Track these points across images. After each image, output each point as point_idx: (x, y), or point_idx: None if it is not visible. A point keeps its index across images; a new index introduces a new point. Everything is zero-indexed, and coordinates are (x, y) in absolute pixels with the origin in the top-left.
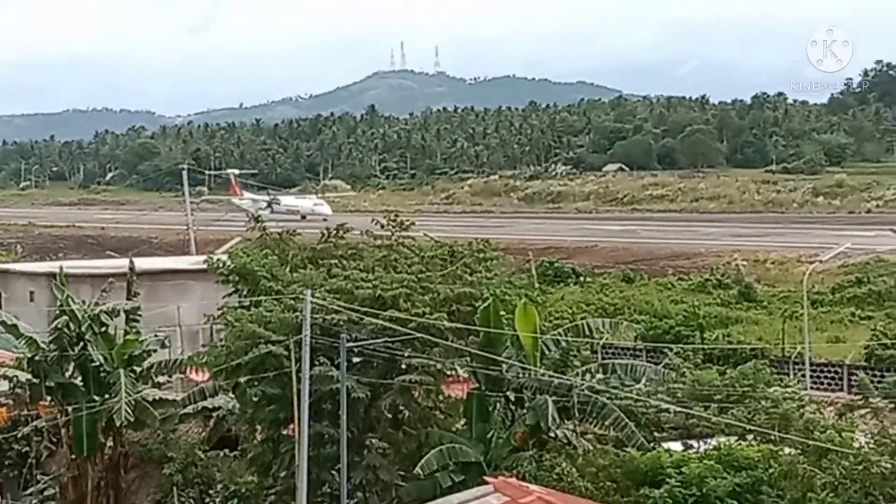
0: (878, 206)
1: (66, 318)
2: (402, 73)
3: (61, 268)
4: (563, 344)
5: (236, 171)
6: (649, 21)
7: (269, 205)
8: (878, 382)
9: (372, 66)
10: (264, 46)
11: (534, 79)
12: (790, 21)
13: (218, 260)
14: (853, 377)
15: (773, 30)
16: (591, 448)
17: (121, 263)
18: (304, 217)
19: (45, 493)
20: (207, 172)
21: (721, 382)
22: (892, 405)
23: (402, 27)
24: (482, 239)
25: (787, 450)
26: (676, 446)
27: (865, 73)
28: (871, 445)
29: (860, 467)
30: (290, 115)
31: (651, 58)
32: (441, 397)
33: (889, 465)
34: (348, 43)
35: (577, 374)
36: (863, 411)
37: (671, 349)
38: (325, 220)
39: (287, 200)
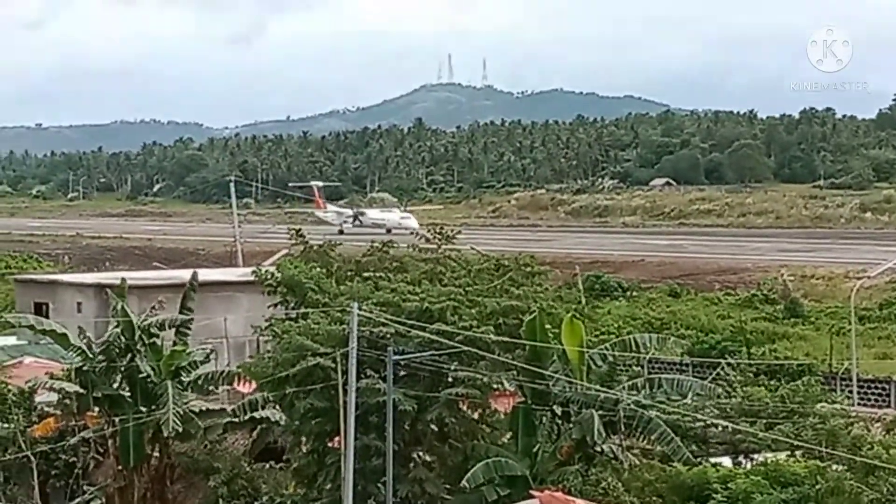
0: None
1: (118, 329)
2: (450, 87)
3: (123, 279)
4: (610, 358)
5: (320, 184)
6: (697, 34)
7: (356, 217)
8: None
9: (419, 79)
10: (311, 58)
11: (581, 92)
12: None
13: (266, 272)
14: None
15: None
16: (637, 463)
17: (169, 275)
18: (389, 231)
19: (92, 503)
20: (255, 184)
21: (772, 398)
22: None
23: (450, 40)
24: (528, 253)
25: (834, 466)
26: (724, 461)
27: None
28: None
29: None
30: (337, 128)
31: (698, 72)
32: (487, 411)
33: None
34: (396, 55)
35: (624, 388)
36: None
37: (719, 364)
38: (412, 233)
39: (372, 213)
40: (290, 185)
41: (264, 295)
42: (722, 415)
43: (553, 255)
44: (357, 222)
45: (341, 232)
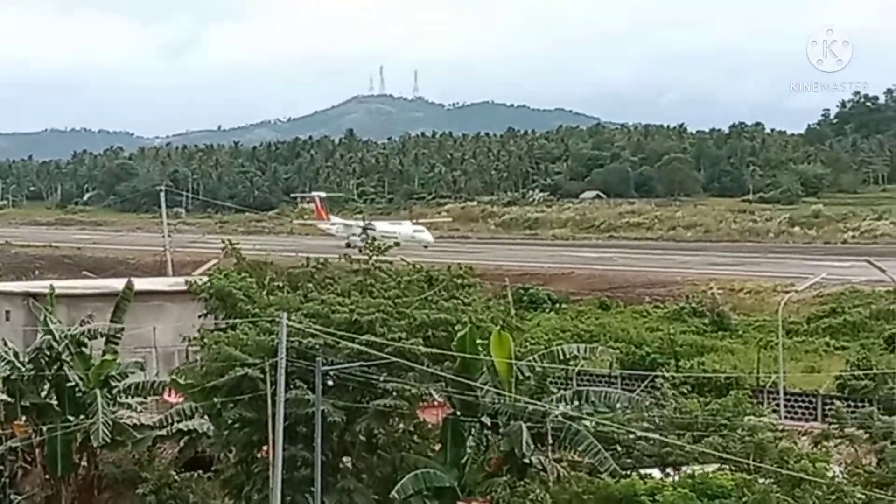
0: (853, 236)
1: (48, 337)
2: (381, 98)
3: (52, 288)
4: (539, 370)
5: (323, 194)
6: (629, 50)
7: (364, 231)
8: (851, 413)
9: (350, 91)
10: (243, 70)
11: (512, 105)
12: (770, 53)
13: (197, 281)
14: (827, 407)
15: (754, 61)
16: (566, 475)
17: (98, 284)
18: (397, 244)
19: None
20: (185, 194)
21: (702, 412)
22: (866, 435)
23: (381, 52)
24: (461, 265)
25: (761, 479)
26: (653, 474)
27: (843, 104)
28: (845, 476)
29: (833, 497)
30: (268, 138)
31: (630, 87)
32: (416, 422)
33: (862, 496)
34: (327, 67)
35: (552, 400)
36: (837, 441)
37: (648, 377)
38: (426, 247)
39: (382, 226)
40: (293, 195)
41: (194, 304)
42: (651, 427)
43: (483, 267)
44: (365, 235)
45: (349, 245)
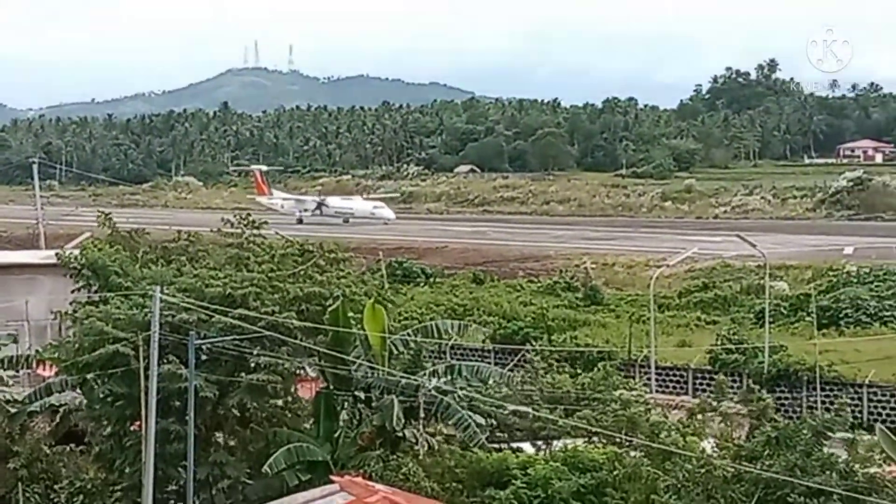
0: (724, 211)
1: None
2: (256, 71)
3: None
4: (412, 344)
5: (263, 168)
6: (503, 24)
7: (319, 206)
8: (729, 387)
9: (225, 64)
10: (117, 41)
11: (387, 79)
12: (644, 28)
13: (70, 254)
14: (698, 381)
15: (628, 36)
16: (438, 448)
17: None
18: (346, 221)
19: None
20: (59, 166)
21: (572, 385)
22: (744, 410)
23: (256, 25)
24: (333, 239)
25: (632, 453)
26: (525, 448)
27: (714, 80)
28: (715, 449)
29: (703, 470)
30: (142, 111)
31: (504, 61)
32: (290, 396)
33: (731, 469)
34: (201, 39)
35: (425, 374)
36: (712, 414)
37: (520, 351)
38: (386, 224)
39: (334, 202)
40: (231, 169)
41: (67, 278)
42: (523, 401)
43: (357, 240)
44: (318, 212)
45: (300, 221)
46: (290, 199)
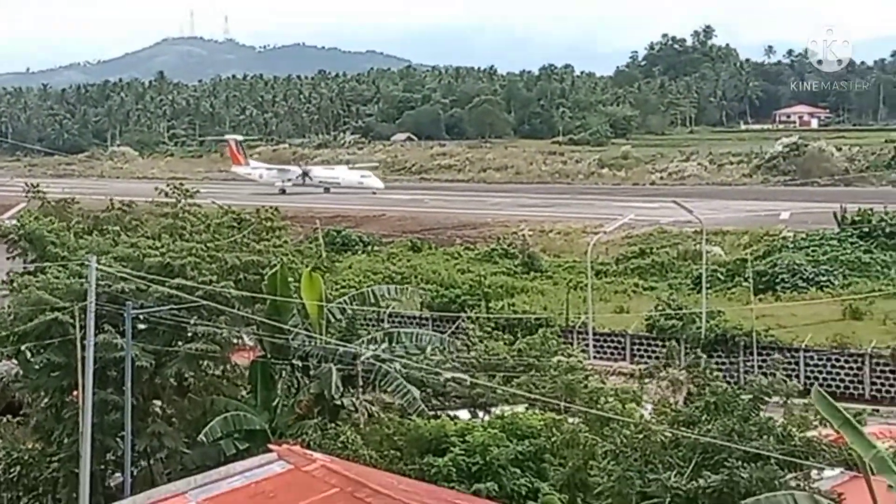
0: (661, 178)
1: None
2: (191, 40)
3: None
4: (349, 312)
5: (239, 137)
6: None
7: (304, 176)
8: (659, 352)
9: (161, 33)
10: (50, 9)
11: (323, 48)
12: None
13: (6, 225)
14: (636, 347)
15: (569, 3)
16: (377, 416)
17: None
18: (327, 190)
19: None
20: None
21: (509, 352)
22: (682, 376)
23: None
24: (270, 207)
25: (570, 419)
26: (462, 415)
27: (651, 47)
28: (653, 415)
29: (641, 436)
30: (77, 81)
31: (441, 29)
32: (227, 365)
33: (669, 434)
34: (137, 9)
35: (363, 342)
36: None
37: (458, 318)
38: (374, 193)
39: (318, 172)
40: (208, 138)
41: (3, 247)
42: (461, 368)
43: (294, 209)
44: (302, 182)
45: (283, 192)
46: (272, 168)
